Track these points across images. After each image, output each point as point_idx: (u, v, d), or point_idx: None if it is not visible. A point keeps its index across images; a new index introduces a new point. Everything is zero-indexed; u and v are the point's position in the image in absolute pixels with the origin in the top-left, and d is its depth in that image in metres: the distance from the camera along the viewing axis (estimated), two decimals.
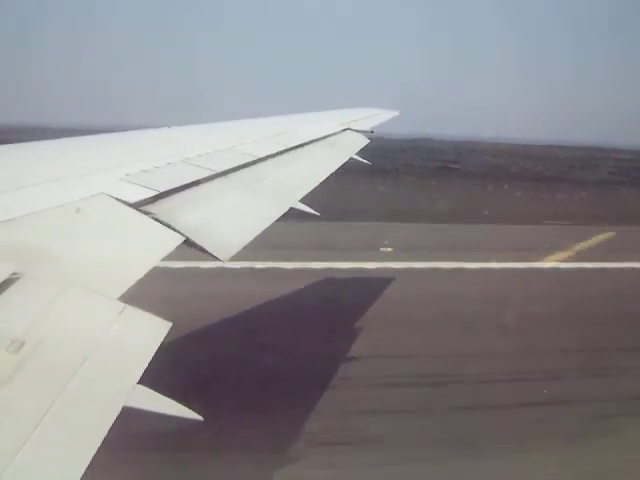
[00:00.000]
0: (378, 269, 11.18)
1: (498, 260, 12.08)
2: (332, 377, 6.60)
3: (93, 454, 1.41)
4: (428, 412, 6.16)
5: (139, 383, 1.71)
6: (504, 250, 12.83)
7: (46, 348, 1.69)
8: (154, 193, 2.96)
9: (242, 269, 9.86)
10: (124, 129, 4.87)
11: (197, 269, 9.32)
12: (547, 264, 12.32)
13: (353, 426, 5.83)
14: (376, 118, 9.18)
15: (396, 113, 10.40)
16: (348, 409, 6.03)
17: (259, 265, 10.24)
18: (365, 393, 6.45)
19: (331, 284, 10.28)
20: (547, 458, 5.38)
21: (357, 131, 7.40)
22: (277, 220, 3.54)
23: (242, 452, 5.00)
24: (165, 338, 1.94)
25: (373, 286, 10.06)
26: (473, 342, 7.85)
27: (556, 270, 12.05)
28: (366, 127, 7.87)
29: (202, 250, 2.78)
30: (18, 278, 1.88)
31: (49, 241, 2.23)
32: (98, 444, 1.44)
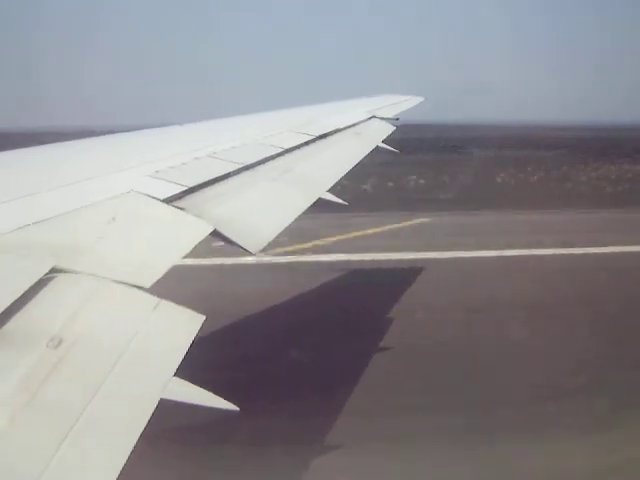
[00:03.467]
0: None
1: None
2: None
3: (133, 446, 1.44)
4: None
5: (175, 375, 1.74)
6: None
7: (84, 344, 1.73)
8: (183, 189, 3.00)
9: None
10: (130, 129, 4.84)
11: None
12: None
13: None
14: (401, 105, 9.12)
15: (421, 99, 10.32)
16: None
17: None
18: None
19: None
20: None
21: (383, 119, 7.36)
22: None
23: None
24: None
25: None
26: None
27: None
28: (392, 114, 7.83)
29: (232, 243, 2.81)
30: (55, 275, 1.93)
31: (83, 238, 2.28)
32: (137, 436, 1.47)
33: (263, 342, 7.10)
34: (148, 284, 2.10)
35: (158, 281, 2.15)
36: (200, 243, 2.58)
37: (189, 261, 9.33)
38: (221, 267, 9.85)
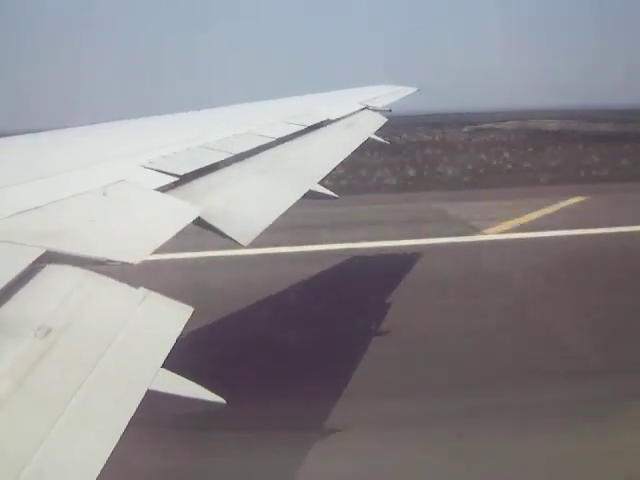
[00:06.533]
0: None
1: None
2: None
3: (119, 437, 1.46)
4: None
5: (163, 367, 1.76)
6: None
7: (72, 334, 1.74)
8: (174, 179, 3.01)
9: None
10: None
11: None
12: None
13: None
14: (395, 95, 9.12)
15: (415, 89, 10.31)
16: None
17: None
18: None
19: None
20: None
21: (375, 110, 7.37)
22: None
23: None
24: None
25: None
26: None
27: None
28: (385, 105, 7.83)
29: (223, 235, 2.83)
30: (44, 265, 1.94)
31: (73, 223, 2.31)
32: (124, 427, 1.49)
33: None
34: (137, 261, 2.16)
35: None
36: None
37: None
38: None
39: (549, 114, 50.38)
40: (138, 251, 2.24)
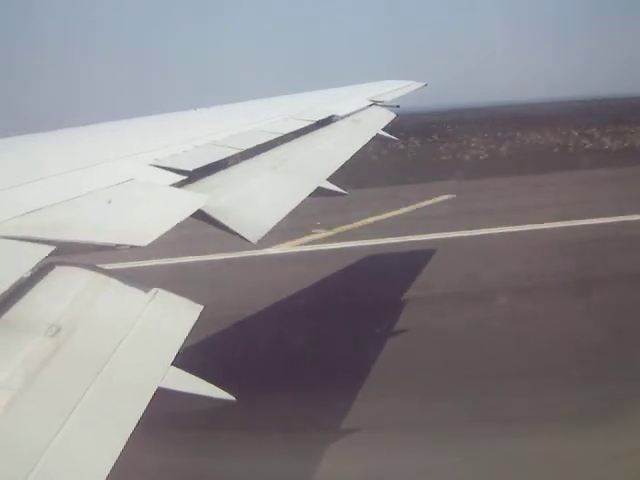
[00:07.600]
0: None
1: None
2: None
3: (129, 434, 1.46)
4: None
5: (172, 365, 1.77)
6: None
7: (82, 332, 1.75)
8: (183, 177, 3.01)
9: None
10: None
11: None
12: None
13: None
14: (403, 90, 9.05)
15: (422, 84, 10.22)
16: None
17: None
18: None
19: None
20: None
21: (383, 105, 7.33)
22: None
23: None
24: None
25: None
26: None
27: None
28: (392, 100, 7.78)
29: (232, 232, 2.82)
30: (54, 263, 1.95)
31: (84, 219, 2.33)
32: (134, 424, 1.49)
33: None
34: (145, 243, 2.21)
35: None
36: None
37: None
38: None
39: None
40: (146, 235, 2.28)
